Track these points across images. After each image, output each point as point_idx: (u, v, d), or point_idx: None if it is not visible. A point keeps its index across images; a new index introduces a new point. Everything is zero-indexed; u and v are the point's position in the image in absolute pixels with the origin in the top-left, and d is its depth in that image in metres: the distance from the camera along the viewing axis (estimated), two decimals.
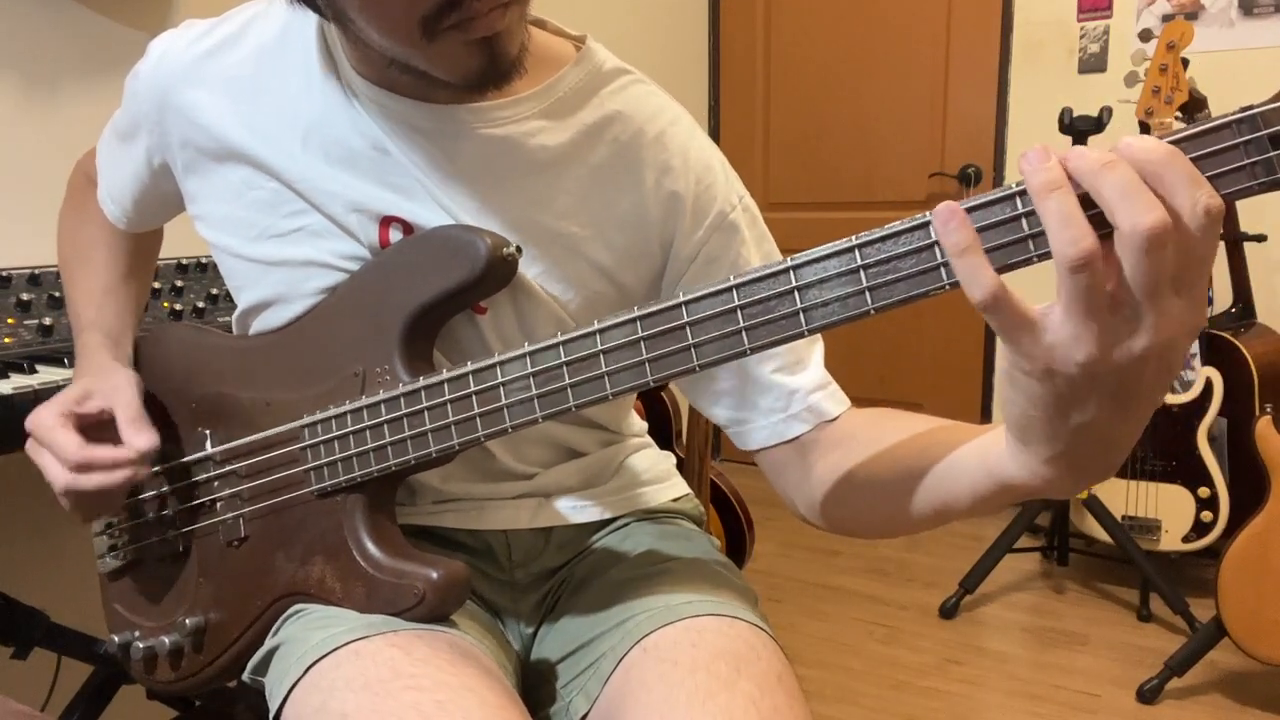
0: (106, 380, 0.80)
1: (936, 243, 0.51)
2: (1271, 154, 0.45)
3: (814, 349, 0.77)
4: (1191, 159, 0.45)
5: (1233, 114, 0.46)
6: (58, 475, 0.75)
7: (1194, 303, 0.45)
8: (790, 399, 0.75)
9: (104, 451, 0.75)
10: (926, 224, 0.51)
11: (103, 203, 0.91)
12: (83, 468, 0.74)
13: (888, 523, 0.70)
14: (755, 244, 0.78)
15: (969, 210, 0.48)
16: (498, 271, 0.70)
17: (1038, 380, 0.47)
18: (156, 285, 1.43)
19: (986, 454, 0.58)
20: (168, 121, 0.79)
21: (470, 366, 0.67)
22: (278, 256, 0.77)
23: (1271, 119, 0.45)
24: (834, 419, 0.75)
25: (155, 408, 0.83)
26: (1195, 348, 2.34)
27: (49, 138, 1.49)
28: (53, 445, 0.75)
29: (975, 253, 0.47)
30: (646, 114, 0.77)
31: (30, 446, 0.78)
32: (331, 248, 0.75)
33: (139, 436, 0.76)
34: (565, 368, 0.63)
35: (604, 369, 0.62)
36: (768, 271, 0.56)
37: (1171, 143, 0.45)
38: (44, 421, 0.76)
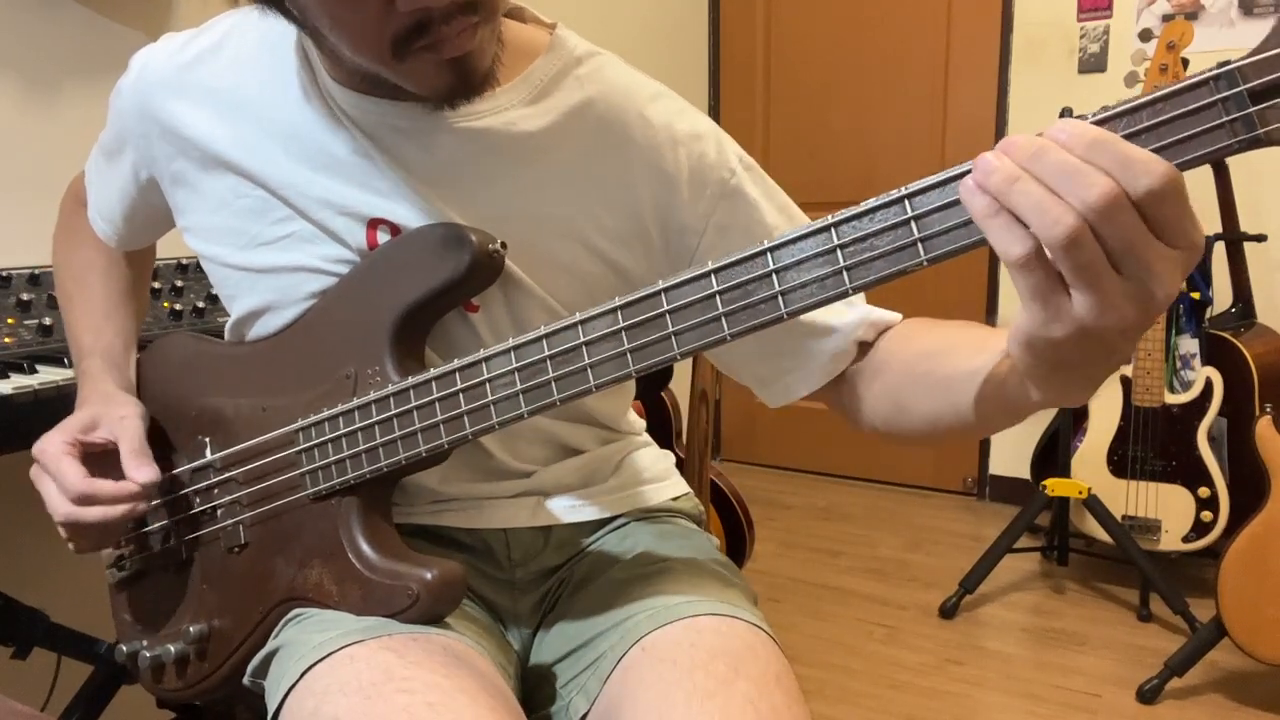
0: (113, 409, 0.80)
1: (912, 218, 0.50)
2: (1251, 110, 0.44)
3: None
4: (1169, 118, 0.44)
5: (1210, 70, 0.44)
6: (59, 505, 0.75)
7: (1188, 244, 0.45)
8: (837, 338, 0.75)
9: (106, 485, 0.75)
10: (901, 200, 0.50)
11: (93, 221, 0.91)
12: (84, 500, 0.74)
13: (933, 431, 0.70)
14: (766, 199, 0.78)
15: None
16: (484, 268, 0.70)
17: (1072, 342, 0.47)
18: (156, 285, 1.42)
19: (1005, 384, 0.59)
20: (152, 135, 0.79)
21: (457, 364, 0.67)
22: (268, 264, 0.77)
23: (1250, 74, 0.43)
24: (873, 344, 0.76)
25: (157, 417, 0.83)
26: (1195, 348, 2.34)
27: (49, 138, 1.49)
28: (57, 475, 0.75)
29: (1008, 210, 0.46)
30: (625, 92, 0.77)
31: (34, 473, 0.78)
32: (320, 252, 0.75)
33: (140, 471, 0.76)
34: (549, 361, 0.63)
35: (586, 360, 0.62)
36: (745, 255, 0.56)
37: (1149, 101, 0.45)
38: (49, 449, 0.76)
